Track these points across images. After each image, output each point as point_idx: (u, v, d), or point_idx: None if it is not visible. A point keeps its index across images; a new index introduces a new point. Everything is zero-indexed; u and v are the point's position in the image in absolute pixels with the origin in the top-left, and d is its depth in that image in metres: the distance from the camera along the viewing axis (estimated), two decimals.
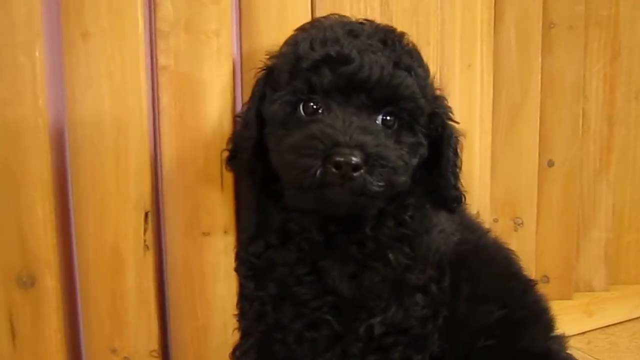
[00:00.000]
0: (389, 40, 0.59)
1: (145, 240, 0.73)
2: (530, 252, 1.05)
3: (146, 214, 0.73)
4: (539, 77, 1.02)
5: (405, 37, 0.62)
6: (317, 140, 0.52)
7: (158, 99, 0.75)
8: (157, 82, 0.74)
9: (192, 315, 0.78)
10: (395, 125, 0.57)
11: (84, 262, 0.73)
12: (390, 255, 0.59)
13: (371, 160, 0.52)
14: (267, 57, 0.65)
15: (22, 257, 0.68)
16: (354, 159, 0.50)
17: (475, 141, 0.97)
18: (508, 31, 1.00)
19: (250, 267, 0.65)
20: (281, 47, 0.64)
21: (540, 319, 0.67)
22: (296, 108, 0.57)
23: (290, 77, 0.57)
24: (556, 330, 0.70)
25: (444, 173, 0.63)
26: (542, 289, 1.08)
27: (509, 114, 1.01)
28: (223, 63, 0.75)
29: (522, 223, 1.04)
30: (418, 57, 0.62)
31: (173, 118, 0.75)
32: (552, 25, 1.03)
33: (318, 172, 0.51)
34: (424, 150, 0.60)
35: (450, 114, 0.65)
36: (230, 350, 0.72)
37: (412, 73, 0.58)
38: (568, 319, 1.09)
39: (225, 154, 0.69)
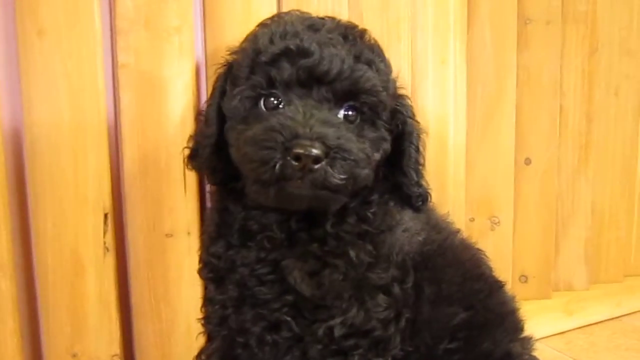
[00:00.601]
0: (350, 35, 0.57)
1: (105, 243, 0.72)
2: (507, 252, 1.04)
3: (105, 216, 0.71)
4: (515, 74, 1.01)
5: (367, 33, 0.61)
6: (277, 132, 0.50)
7: (118, 98, 0.73)
8: (117, 81, 0.73)
9: (156, 318, 0.77)
10: (358, 120, 0.56)
11: (43, 266, 0.71)
12: (351, 252, 0.57)
13: (332, 153, 0.50)
14: (228, 52, 0.63)
15: None
16: (315, 151, 0.49)
17: (448, 138, 0.96)
18: (483, 27, 0.98)
19: (212, 269, 0.64)
20: (241, 43, 0.62)
21: (505, 321, 0.65)
22: (257, 103, 0.55)
23: (249, 71, 0.55)
24: (523, 332, 0.69)
25: (406, 170, 0.62)
26: (521, 288, 1.08)
27: (484, 111, 1.00)
28: (185, 60, 0.74)
29: (498, 222, 1.03)
30: (379, 53, 0.60)
31: (134, 117, 0.73)
32: (528, 21, 1.02)
33: (278, 165, 0.50)
34: (387, 146, 0.59)
35: (412, 112, 0.63)
36: (194, 354, 0.70)
37: (374, 67, 0.56)
38: (547, 319, 1.09)
39: (187, 152, 0.67)
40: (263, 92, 0.55)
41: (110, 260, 0.72)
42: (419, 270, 0.61)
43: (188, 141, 0.68)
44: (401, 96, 0.63)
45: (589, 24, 1.08)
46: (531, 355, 0.66)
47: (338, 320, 0.57)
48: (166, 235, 0.76)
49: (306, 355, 0.59)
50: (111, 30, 0.73)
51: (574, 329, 1.12)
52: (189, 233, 0.75)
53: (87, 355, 0.73)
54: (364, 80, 0.54)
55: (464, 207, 1.00)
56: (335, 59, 0.53)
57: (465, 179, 0.99)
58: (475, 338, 0.61)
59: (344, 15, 0.85)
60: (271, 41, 0.54)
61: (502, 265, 1.04)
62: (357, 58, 0.55)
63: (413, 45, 0.92)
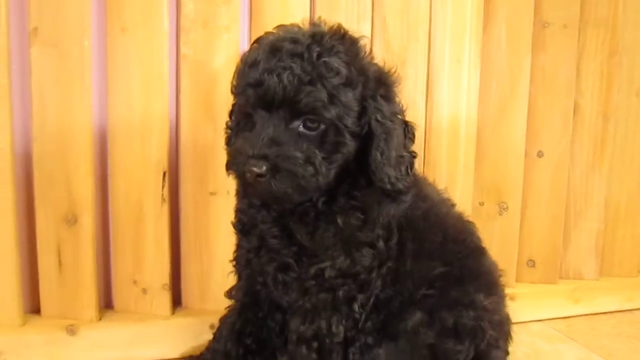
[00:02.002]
0: (308, 53, 0.64)
1: (162, 195, 0.91)
2: (513, 236, 1.13)
3: (164, 174, 0.90)
4: (528, 73, 1.09)
5: (339, 40, 0.67)
6: (239, 153, 0.65)
7: (179, 82, 0.92)
8: (179, 68, 0.92)
9: (198, 259, 0.95)
10: (320, 127, 0.65)
11: (116, 212, 0.91)
12: (339, 219, 0.70)
13: (273, 170, 0.62)
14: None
15: (69, 202, 0.87)
16: (256, 170, 0.62)
17: (460, 130, 1.07)
18: (499, 29, 1.08)
19: (240, 223, 0.80)
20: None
21: (480, 278, 0.76)
22: (249, 114, 0.67)
23: (237, 93, 0.69)
24: (497, 291, 0.78)
25: (372, 168, 0.69)
26: (528, 272, 1.17)
27: (498, 106, 1.10)
28: (231, 53, 0.91)
29: (507, 208, 1.12)
30: (340, 65, 0.64)
31: (190, 98, 0.92)
32: (545, 25, 1.11)
33: (244, 175, 0.64)
34: (349, 148, 0.67)
35: (382, 114, 0.68)
36: (226, 289, 0.87)
37: (320, 85, 0.63)
38: (552, 303, 1.17)
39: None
40: (247, 110, 0.67)
41: (165, 210, 0.91)
42: (403, 230, 0.73)
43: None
44: (373, 97, 0.68)
45: (609, 29, 1.14)
46: (496, 308, 0.75)
47: (328, 264, 0.70)
48: (210, 193, 0.94)
49: (305, 291, 0.73)
50: (176, 27, 0.92)
51: (578, 315, 1.19)
52: (228, 192, 0.92)
53: (144, 282, 0.93)
54: (303, 104, 0.63)
55: (475, 192, 1.11)
56: (278, 87, 0.62)
57: (475, 167, 1.10)
58: (449, 288, 0.73)
59: (368, 17, 0.99)
60: (242, 73, 0.66)
61: (508, 248, 1.13)
62: (302, 80, 0.62)
63: (431, 44, 1.04)
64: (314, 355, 0.71)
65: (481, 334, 0.67)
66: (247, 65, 0.65)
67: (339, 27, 0.69)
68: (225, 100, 0.90)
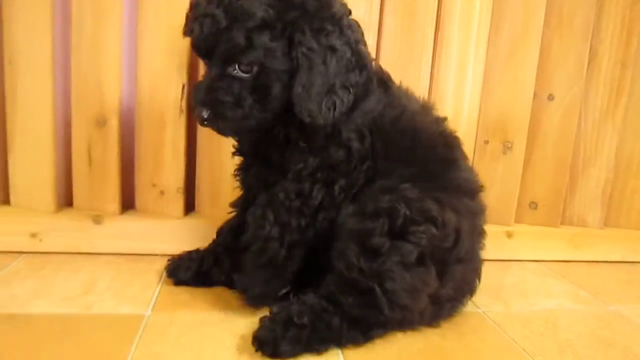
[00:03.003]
0: None
1: (181, 106, 1.00)
2: (516, 176, 1.15)
3: (183, 86, 1.00)
4: (543, 15, 1.10)
5: None
6: (193, 99, 0.73)
7: None
8: None
9: (210, 168, 1.05)
10: (254, 70, 0.69)
11: (140, 118, 1.02)
12: (300, 142, 0.75)
13: (211, 113, 0.70)
14: None
15: (99, 105, 0.99)
16: (203, 115, 0.70)
17: (468, 68, 1.10)
18: None
19: (237, 147, 0.86)
20: None
21: (438, 177, 0.78)
22: None
23: None
24: (461, 193, 0.80)
25: (294, 103, 0.70)
26: (530, 214, 1.20)
27: (509, 47, 1.11)
28: None
29: (511, 147, 1.14)
30: (250, 9, 0.66)
31: None
32: None
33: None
34: (278, 89, 0.70)
35: (306, 47, 0.68)
36: (232, 200, 0.96)
37: (237, 29, 0.66)
38: (551, 245, 1.19)
39: None
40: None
41: (183, 120, 1.01)
42: (373, 135, 0.77)
43: None
44: (302, 31, 0.68)
45: None
46: (420, 197, 0.74)
47: (301, 166, 0.76)
48: None
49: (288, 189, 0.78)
50: None
51: (578, 261, 1.20)
52: None
53: (161, 185, 1.03)
54: (224, 49, 0.67)
55: (480, 130, 1.14)
56: (201, 37, 0.68)
57: (481, 105, 1.13)
58: (416, 182, 0.76)
59: None
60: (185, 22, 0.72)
61: (510, 187, 1.16)
62: (218, 28, 0.66)
63: None
64: (289, 203, 0.76)
65: (395, 213, 0.71)
66: (189, 11, 0.72)
67: None
68: None
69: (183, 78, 1.00)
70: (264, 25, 0.67)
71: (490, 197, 1.16)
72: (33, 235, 0.97)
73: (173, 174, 1.03)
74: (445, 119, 0.88)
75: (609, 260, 1.22)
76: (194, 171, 1.06)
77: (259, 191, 0.82)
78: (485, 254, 1.10)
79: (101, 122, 0.99)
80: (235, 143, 0.85)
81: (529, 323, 0.86)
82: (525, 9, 1.10)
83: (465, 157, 0.88)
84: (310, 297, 0.74)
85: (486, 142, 1.15)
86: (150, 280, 0.90)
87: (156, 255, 1.00)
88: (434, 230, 0.72)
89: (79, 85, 0.98)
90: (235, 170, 0.88)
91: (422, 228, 0.72)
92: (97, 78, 0.98)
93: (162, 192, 1.04)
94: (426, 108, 0.87)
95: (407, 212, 0.71)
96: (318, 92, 0.70)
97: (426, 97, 1.10)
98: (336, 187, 0.76)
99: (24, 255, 0.97)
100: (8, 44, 0.96)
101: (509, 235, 1.16)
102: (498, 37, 1.11)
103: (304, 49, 0.68)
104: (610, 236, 1.22)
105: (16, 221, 0.97)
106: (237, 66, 0.70)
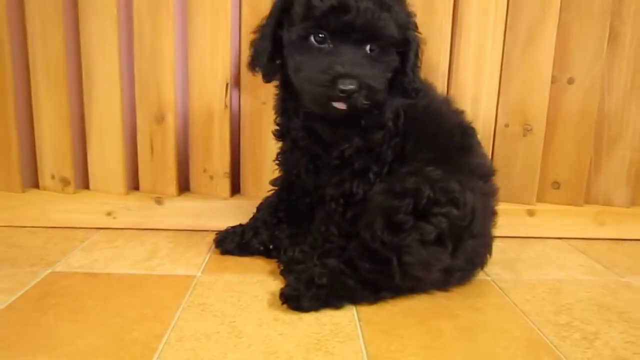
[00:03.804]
0: None
1: (225, 102, 1.16)
2: (536, 156, 1.21)
3: (227, 85, 1.15)
4: (559, 0, 1.14)
5: None
6: (327, 74, 0.77)
7: (241, 12, 1.15)
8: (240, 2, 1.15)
9: (253, 156, 1.20)
10: (377, 50, 0.81)
11: (192, 113, 1.19)
12: (362, 120, 0.87)
13: (363, 88, 0.77)
14: None
15: (158, 104, 1.17)
16: (352, 87, 0.76)
17: (486, 54, 1.17)
18: None
19: (278, 131, 1.00)
20: None
21: (454, 165, 0.88)
22: (307, 38, 0.80)
23: (303, 18, 0.79)
24: (472, 179, 0.89)
25: (407, 72, 0.87)
26: (554, 194, 1.26)
27: (526, 33, 1.17)
28: None
29: (531, 129, 1.20)
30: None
31: (249, 26, 1.15)
32: None
33: (329, 95, 0.77)
34: (396, 63, 0.85)
35: (415, 26, 0.87)
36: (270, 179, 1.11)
37: (393, 12, 0.80)
38: (575, 222, 1.24)
39: (248, 57, 0.91)
40: (313, 31, 0.79)
41: (227, 114, 1.17)
42: (407, 115, 0.89)
43: (249, 48, 0.91)
44: (409, 17, 0.86)
45: None
46: (444, 178, 0.84)
47: (347, 145, 0.88)
48: (262, 102, 1.17)
49: (332, 172, 0.91)
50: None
51: (603, 239, 1.24)
52: None
53: (211, 171, 1.20)
54: (383, 28, 0.79)
55: (500, 115, 1.21)
56: (367, 12, 0.77)
57: (501, 91, 1.19)
58: (438, 164, 0.86)
59: None
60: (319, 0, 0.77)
61: (531, 168, 1.22)
62: (382, 7, 0.78)
63: None
64: (340, 209, 0.91)
65: (420, 194, 0.81)
66: None
67: None
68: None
69: (227, 77, 1.15)
70: (401, 10, 0.83)
71: (512, 178, 1.23)
72: (108, 214, 1.18)
73: (220, 161, 1.19)
74: (463, 111, 0.98)
75: (636, 238, 1.24)
76: (238, 158, 1.22)
77: (305, 169, 0.94)
78: (506, 230, 1.20)
79: (159, 119, 1.17)
80: (277, 128, 0.97)
81: (534, 289, 0.94)
82: None
83: (480, 145, 0.98)
84: (331, 261, 0.87)
85: (507, 125, 1.22)
86: (202, 250, 1.07)
87: (207, 230, 1.17)
88: (455, 211, 0.81)
89: (141, 88, 1.17)
90: (277, 155, 1.01)
91: (444, 210, 0.81)
92: (156, 81, 1.16)
93: (211, 177, 1.20)
94: (448, 100, 0.98)
95: (431, 194, 0.81)
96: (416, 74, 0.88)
97: (446, 83, 1.19)
98: (370, 175, 0.88)
99: (101, 230, 1.17)
100: (85, 58, 1.16)
101: (531, 213, 1.22)
102: (516, 23, 1.17)
103: (413, 32, 0.86)
104: (637, 214, 1.24)
105: (94, 202, 1.18)
106: (370, 46, 0.80)
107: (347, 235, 0.90)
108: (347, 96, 0.77)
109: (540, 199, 1.25)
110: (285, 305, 0.82)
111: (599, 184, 1.26)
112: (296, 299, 0.82)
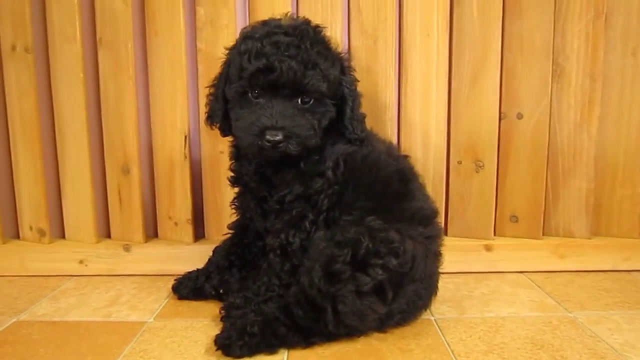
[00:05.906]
0: (302, 44, 0.85)
1: (184, 153, 1.23)
2: (490, 192, 1.23)
3: (185, 137, 1.22)
4: (500, 40, 1.18)
5: (319, 33, 0.91)
6: (255, 126, 0.85)
7: (196, 68, 1.23)
8: (196, 59, 1.23)
9: (214, 202, 1.26)
10: (311, 101, 0.88)
11: (156, 165, 1.26)
12: (301, 163, 0.93)
13: (288, 137, 0.85)
14: (226, 51, 0.95)
15: (124, 157, 1.25)
16: (278, 138, 0.84)
17: (431, 96, 1.21)
18: (470, 4, 1.19)
19: (232, 177, 1.06)
20: (233, 47, 0.93)
21: (391, 213, 0.91)
22: (245, 93, 0.88)
23: (239, 78, 0.88)
24: (408, 221, 0.92)
25: (346, 124, 0.94)
26: (512, 227, 1.27)
27: (471, 74, 1.20)
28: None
29: (482, 166, 1.22)
30: (325, 51, 0.89)
31: (203, 80, 1.22)
32: None
33: (258, 143, 0.85)
34: (331, 114, 0.92)
35: (351, 82, 0.95)
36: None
37: (318, 69, 0.86)
38: (534, 256, 1.24)
39: (204, 115, 1.01)
40: (248, 89, 0.88)
41: (187, 164, 1.24)
42: (346, 165, 0.94)
43: (205, 107, 1.00)
44: (345, 70, 0.94)
45: None
46: (385, 228, 0.86)
47: (287, 191, 0.94)
48: (220, 152, 1.24)
49: (276, 216, 0.96)
50: (192, 28, 1.23)
51: (565, 271, 1.23)
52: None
53: (175, 217, 1.27)
54: (309, 85, 0.86)
55: (453, 152, 1.24)
56: (290, 72, 0.84)
57: (452, 129, 1.23)
58: (377, 214, 0.90)
59: (344, 6, 1.19)
60: (249, 61, 0.85)
61: (486, 203, 1.24)
62: (306, 66, 0.85)
63: (402, 22, 1.20)
64: (278, 259, 0.95)
65: (358, 245, 0.83)
66: (252, 56, 0.85)
67: (308, 20, 0.92)
68: None
69: (185, 130, 1.23)
70: (331, 65, 0.89)
71: (468, 213, 1.25)
72: (80, 262, 1.25)
73: (183, 208, 1.26)
74: (407, 156, 1.02)
75: (599, 269, 1.23)
76: (202, 205, 1.28)
77: (254, 211, 1.01)
78: (464, 266, 1.21)
79: (126, 171, 1.25)
80: (231, 174, 1.03)
81: (473, 328, 0.95)
82: (483, 36, 1.19)
83: (420, 189, 1.01)
84: (268, 307, 0.91)
85: (459, 162, 1.24)
86: (161, 295, 1.13)
87: (173, 275, 1.22)
88: (394, 261, 0.83)
89: (108, 144, 1.25)
90: (233, 199, 1.07)
91: (381, 262, 0.82)
92: (121, 137, 1.24)
93: (176, 223, 1.27)
94: (391, 149, 1.02)
95: (370, 245, 0.83)
96: (359, 114, 0.96)
97: (396, 126, 1.23)
98: (307, 223, 0.93)
99: (74, 278, 1.24)
100: (57, 117, 1.25)
101: (488, 248, 1.23)
102: (460, 64, 1.21)
103: (348, 85, 0.94)
104: (598, 245, 1.24)
105: (68, 251, 1.25)
106: (301, 99, 0.87)
107: (287, 286, 0.93)
108: (272, 146, 0.85)
109: (499, 233, 1.26)
110: (219, 352, 0.86)
111: (558, 216, 1.26)
112: (227, 347, 0.85)
